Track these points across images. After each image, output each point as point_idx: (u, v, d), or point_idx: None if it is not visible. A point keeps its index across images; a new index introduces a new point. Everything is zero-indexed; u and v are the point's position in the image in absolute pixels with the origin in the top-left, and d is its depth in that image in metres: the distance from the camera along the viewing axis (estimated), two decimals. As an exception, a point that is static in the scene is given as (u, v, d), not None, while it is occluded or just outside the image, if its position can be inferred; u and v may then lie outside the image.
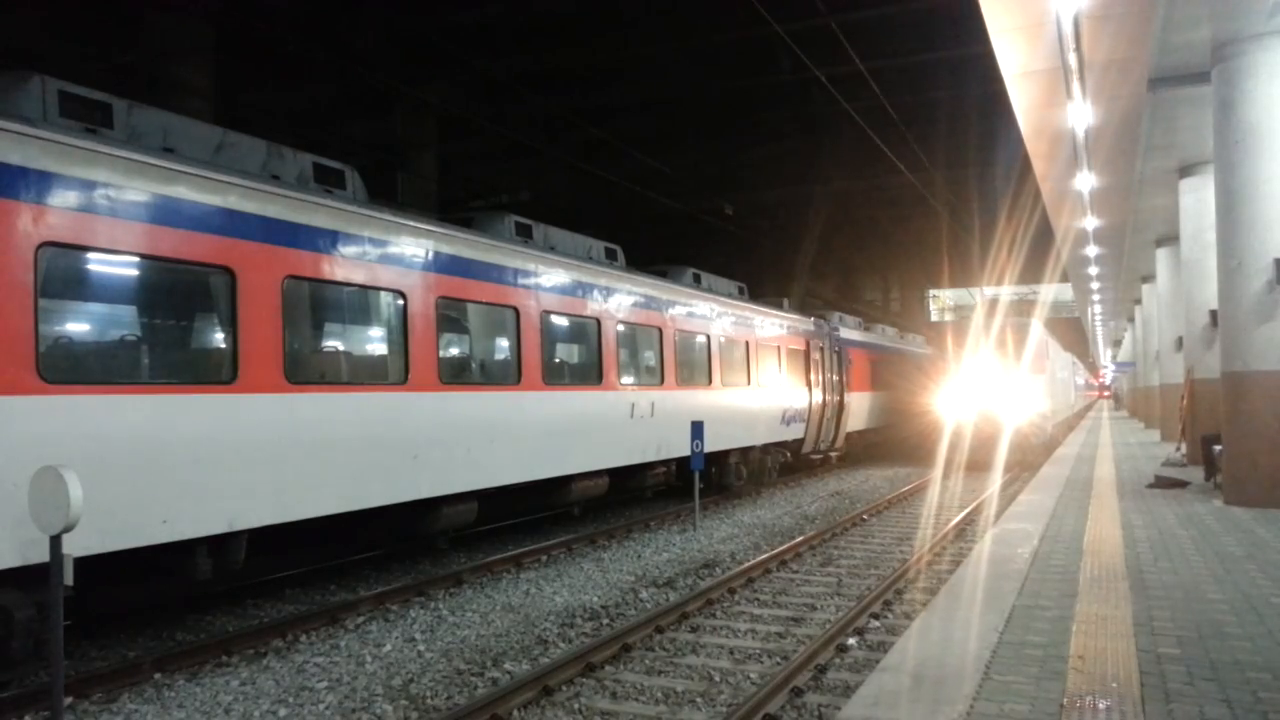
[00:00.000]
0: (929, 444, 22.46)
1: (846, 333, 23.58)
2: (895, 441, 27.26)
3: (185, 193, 7.12)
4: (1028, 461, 21.49)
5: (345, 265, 8.61)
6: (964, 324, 23.61)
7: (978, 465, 20.96)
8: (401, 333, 9.23)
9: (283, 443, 7.78)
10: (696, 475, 13.96)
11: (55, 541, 4.72)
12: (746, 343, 17.40)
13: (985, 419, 21.44)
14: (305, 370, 8.29)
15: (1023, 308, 36.37)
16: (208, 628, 8.35)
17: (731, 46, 20.76)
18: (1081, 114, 13.13)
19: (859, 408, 23.88)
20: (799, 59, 15.82)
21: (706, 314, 15.86)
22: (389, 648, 7.60)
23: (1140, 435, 28.42)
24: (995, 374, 21.91)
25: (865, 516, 14.81)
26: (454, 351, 10.72)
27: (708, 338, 15.84)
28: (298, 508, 7.91)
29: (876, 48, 19.14)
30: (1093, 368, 79.51)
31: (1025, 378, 21.92)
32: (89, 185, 6.48)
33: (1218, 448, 11.79)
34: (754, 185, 29.40)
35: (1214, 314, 12.76)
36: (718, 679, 6.65)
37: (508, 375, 10.96)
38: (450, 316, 10.20)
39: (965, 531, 12.99)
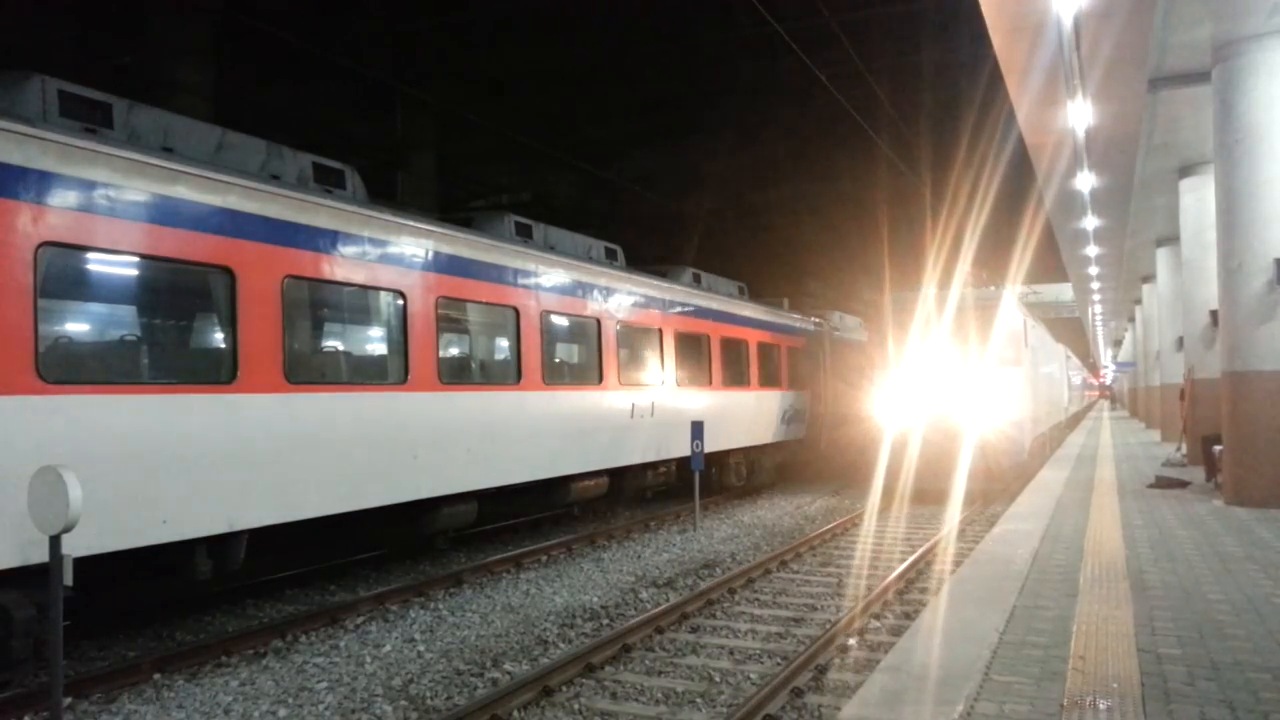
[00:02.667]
0: (864, 462, 16.80)
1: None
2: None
3: (185, 193, 7.12)
4: (994, 490, 16.18)
5: (345, 265, 8.61)
6: (908, 298, 16.85)
7: (927, 496, 15.41)
8: (401, 333, 9.22)
9: (282, 443, 7.77)
10: (697, 475, 13.96)
11: (55, 541, 4.71)
12: (746, 342, 17.37)
13: (937, 429, 15.41)
14: (305, 370, 8.29)
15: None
16: (207, 628, 8.35)
17: (731, 45, 20.73)
18: (1081, 114, 13.13)
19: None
20: (799, 58, 15.80)
21: (707, 314, 15.85)
22: (389, 648, 7.59)
23: (1140, 435, 28.40)
24: (950, 366, 15.88)
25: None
26: (454, 351, 10.72)
27: (708, 338, 15.83)
28: (297, 508, 7.91)
29: (877, 47, 19.11)
30: (1093, 367, 79.32)
31: (993, 371, 15.73)
32: (89, 185, 6.47)
33: (1218, 448, 11.78)
34: (754, 185, 29.35)
35: (1214, 314, 12.76)
36: (718, 679, 6.65)
37: (507, 375, 10.95)
38: (450, 316, 10.19)
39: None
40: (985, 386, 15.62)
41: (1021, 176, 19.43)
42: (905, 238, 27.43)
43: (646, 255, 17.74)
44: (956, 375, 15.85)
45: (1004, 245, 24.61)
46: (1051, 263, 31.14)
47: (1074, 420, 40.05)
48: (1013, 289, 19.19)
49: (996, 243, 24.56)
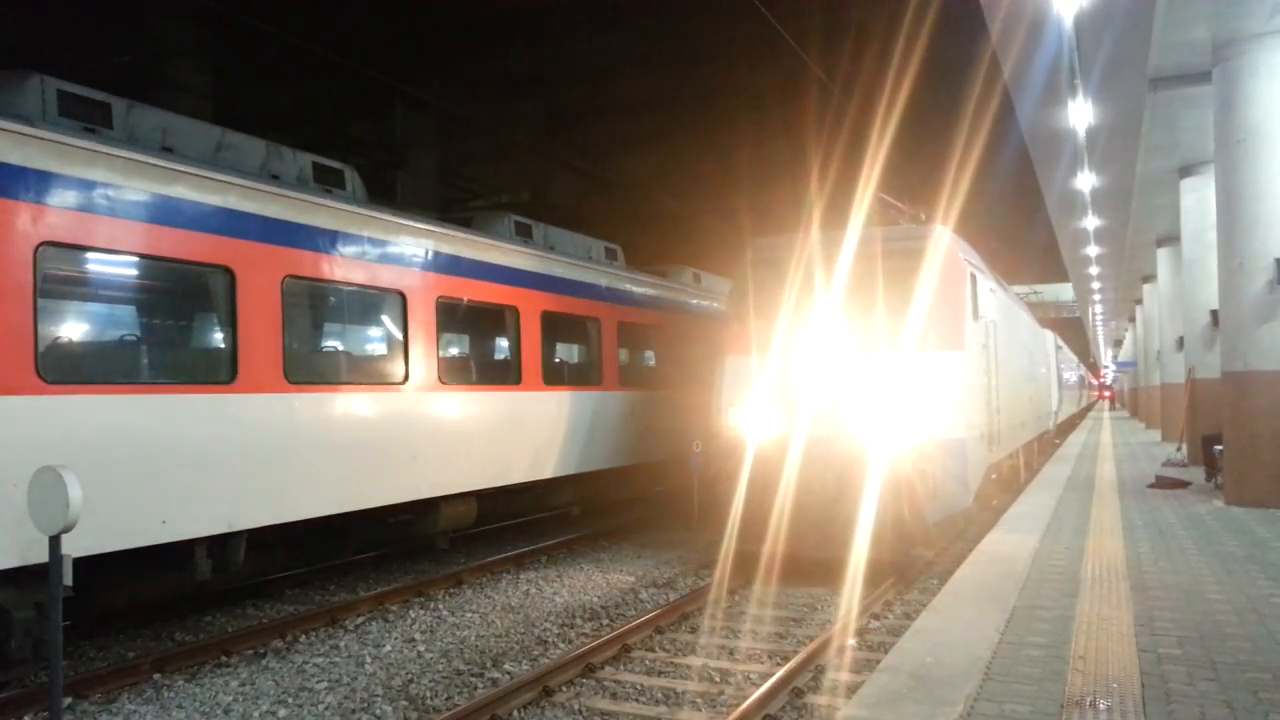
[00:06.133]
0: (717, 501, 10.22)
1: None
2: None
3: (184, 192, 7.12)
4: (917, 558, 9.88)
5: (345, 265, 8.61)
6: (782, 243, 10.60)
7: (806, 568, 9.49)
8: (401, 332, 9.22)
9: (282, 443, 7.77)
10: (696, 476, 13.93)
11: (55, 542, 4.70)
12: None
13: (820, 454, 9.34)
14: (304, 370, 8.28)
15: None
16: (207, 628, 8.35)
17: (731, 44, 20.71)
18: (1081, 114, 13.14)
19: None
20: (799, 57, 15.77)
21: (705, 313, 15.83)
22: (389, 648, 7.59)
23: (1141, 435, 28.40)
24: (842, 350, 9.69)
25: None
26: (454, 351, 10.70)
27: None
28: (297, 508, 7.90)
29: (876, 44, 19.07)
30: (1094, 367, 79.14)
31: (915, 359, 9.44)
32: (88, 185, 6.47)
33: (1219, 448, 11.77)
34: (753, 183, 29.30)
35: (1215, 314, 12.76)
36: (718, 679, 6.64)
37: (508, 375, 10.94)
38: (453, 316, 10.18)
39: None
40: (900, 383, 9.35)
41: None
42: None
43: (646, 255, 17.66)
44: (851, 364, 9.61)
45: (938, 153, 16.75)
46: (1051, 263, 31.10)
47: (1065, 428, 32.42)
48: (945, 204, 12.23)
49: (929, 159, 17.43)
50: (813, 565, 9.40)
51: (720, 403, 10.39)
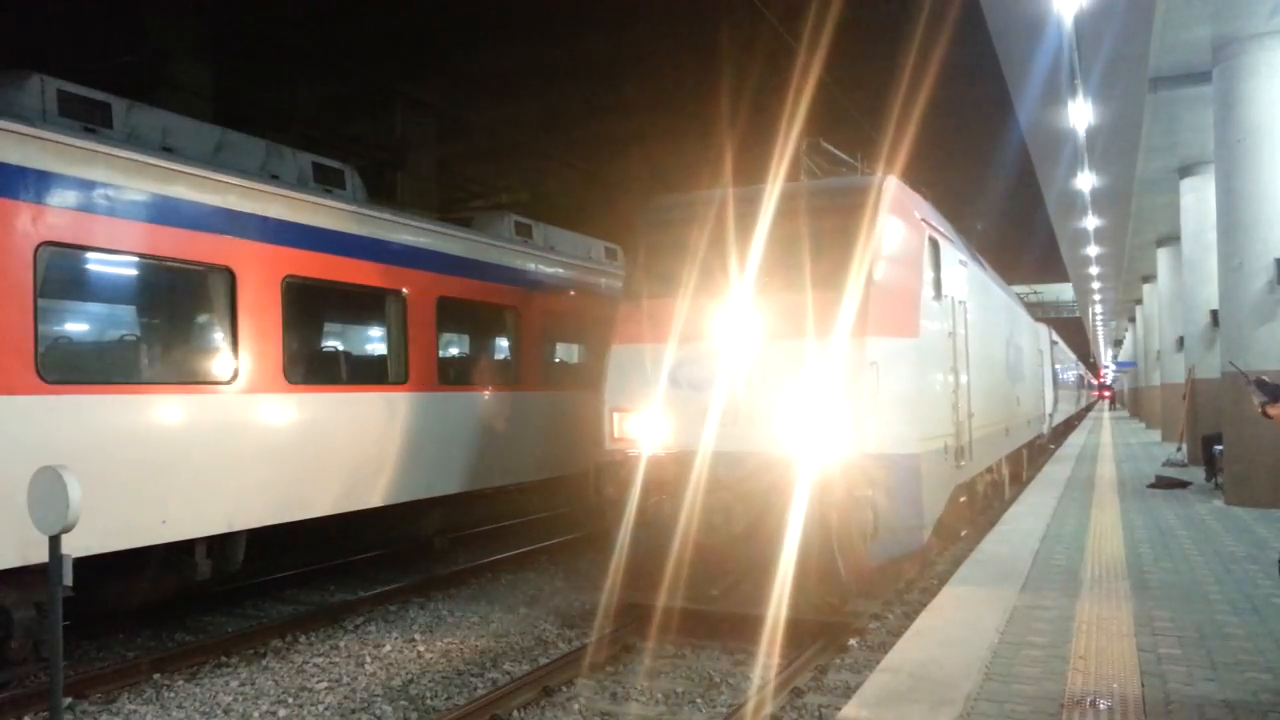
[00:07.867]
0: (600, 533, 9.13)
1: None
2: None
3: (184, 192, 7.12)
4: (837, 615, 7.28)
5: (345, 265, 8.61)
6: (684, 203, 8.56)
7: (710, 626, 7.63)
8: (401, 332, 9.22)
9: (282, 443, 7.77)
10: None
11: (54, 542, 4.70)
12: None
13: (724, 475, 7.27)
14: (304, 370, 8.28)
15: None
16: (207, 628, 8.35)
17: (730, 42, 20.69)
18: (1081, 114, 13.13)
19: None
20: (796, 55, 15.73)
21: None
22: (388, 648, 7.59)
23: (1141, 435, 28.40)
24: (756, 339, 7.42)
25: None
26: (454, 351, 10.70)
27: None
28: (297, 508, 7.90)
29: (877, 44, 19.07)
30: (1094, 367, 79.06)
31: (849, 348, 7.08)
32: (88, 185, 6.47)
33: (1219, 448, 11.77)
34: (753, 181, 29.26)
35: (1215, 314, 12.76)
36: (718, 679, 6.64)
37: (507, 376, 10.94)
38: (455, 316, 10.19)
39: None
40: (830, 381, 7.11)
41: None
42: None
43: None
44: (766, 356, 7.43)
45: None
46: (1051, 263, 31.05)
47: (1063, 431, 29.32)
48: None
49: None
50: (709, 623, 7.58)
51: (604, 408, 8.13)
